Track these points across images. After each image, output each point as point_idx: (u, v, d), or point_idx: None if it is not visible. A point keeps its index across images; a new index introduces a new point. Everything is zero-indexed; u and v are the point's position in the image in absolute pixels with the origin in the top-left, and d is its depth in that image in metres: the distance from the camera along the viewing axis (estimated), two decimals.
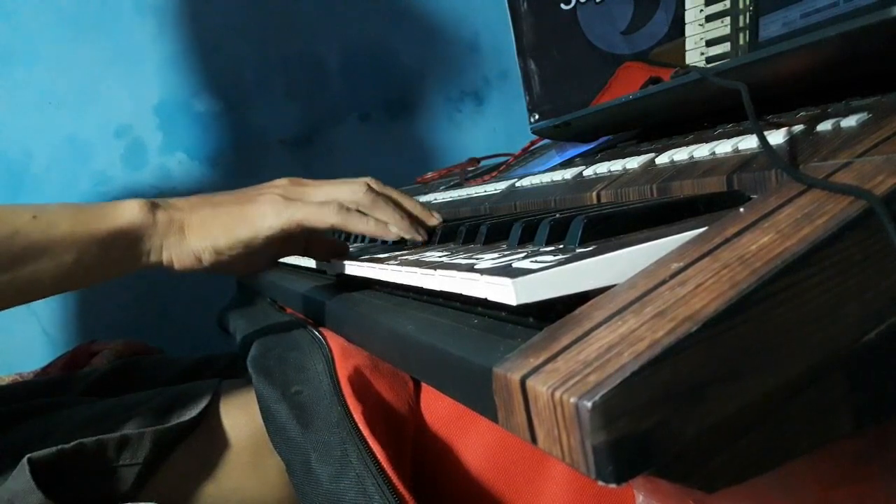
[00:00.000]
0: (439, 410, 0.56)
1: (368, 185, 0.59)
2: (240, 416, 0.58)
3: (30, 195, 1.35)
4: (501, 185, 0.78)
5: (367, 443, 0.48)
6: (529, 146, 1.01)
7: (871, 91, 0.46)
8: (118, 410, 0.58)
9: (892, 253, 0.27)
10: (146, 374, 0.83)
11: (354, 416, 0.50)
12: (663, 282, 0.28)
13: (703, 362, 0.24)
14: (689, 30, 0.72)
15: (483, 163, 1.17)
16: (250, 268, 0.63)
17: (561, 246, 0.38)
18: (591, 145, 0.83)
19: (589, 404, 0.23)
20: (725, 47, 0.68)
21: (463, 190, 0.90)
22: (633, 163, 0.56)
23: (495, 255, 0.40)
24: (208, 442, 0.57)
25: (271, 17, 1.50)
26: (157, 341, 1.14)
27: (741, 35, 0.66)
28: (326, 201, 0.57)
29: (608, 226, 0.37)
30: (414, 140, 1.61)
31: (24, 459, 0.50)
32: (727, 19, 0.67)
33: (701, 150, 0.49)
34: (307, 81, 1.53)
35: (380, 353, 0.48)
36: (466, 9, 1.62)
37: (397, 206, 0.59)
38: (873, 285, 0.27)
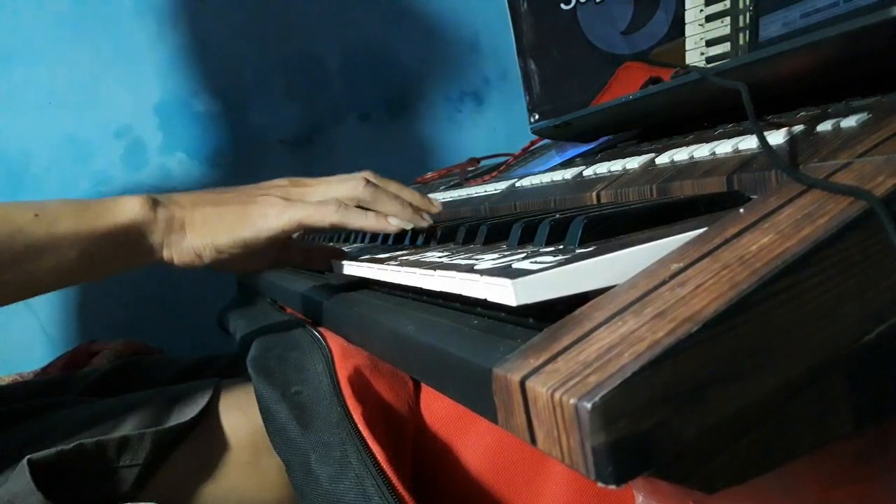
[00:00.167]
0: (439, 411, 0.56)
1: (367, 178, 0.60)
2: (239, 417, 0.58)
3: (30, 195, 1.35)
4: (501, 186, 0.78)
5: (366, 443, 0.48)
6: (529, 146, 1.01)
7: (872, 91, 0.46)
8: (118, 410, 0.58)
9: (892, 253, 0.27)
10: (146, 374, 0.83)
11: (354, 416, 0.50)
12: (663, 282, 0.28)
13: (704, 363, 0.24)
14: (689, 30, 0.72)
15: (483, 163, 1.17)
16: (250, 266, 0.63)
17: (561, 246, 0.38)
18: (591, 145, 0.83)
19: (589, 405, 0.23)
20: (725, 47, 0.68)
21: (463, 190, 0.90)
22: (634, 163, 0.56)
23: (495, 255, 0.40)
24: (208, 442, 0.57)
25: (271, 17, 1.50)
26: (157, 341, 1.14)
27: (741, 35, 0.66)
28: (325, 200, 0.58)
29: (608, 226, 0.37)
30: (414, 140, 1.61)
31: (24, 460, 0.50)
32: (727, 19, 0.67)
33: (701, 151, 0.49)
34: (307, 81, 1.53)
35: (379, 353, 0.48)
36: (466, 9, 1.62)
37: (397, 196, 0.60)
38: (873, 285, 0.27)
